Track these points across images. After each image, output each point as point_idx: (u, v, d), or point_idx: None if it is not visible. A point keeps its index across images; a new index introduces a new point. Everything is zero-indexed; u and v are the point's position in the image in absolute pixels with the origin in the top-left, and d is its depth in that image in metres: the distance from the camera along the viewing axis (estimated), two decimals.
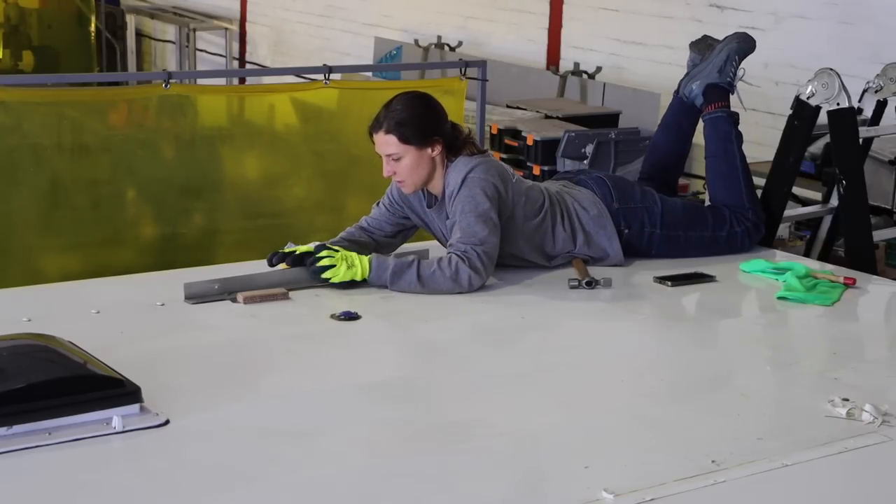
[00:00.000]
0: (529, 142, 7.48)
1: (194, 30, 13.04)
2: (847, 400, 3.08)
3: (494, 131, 7.70)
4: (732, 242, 4.49)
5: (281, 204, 5.73)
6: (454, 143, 4.07)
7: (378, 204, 4.28)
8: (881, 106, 5.41)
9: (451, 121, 4.13)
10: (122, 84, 9.38)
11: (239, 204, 5.56)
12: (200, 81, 7.52)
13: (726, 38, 4.84)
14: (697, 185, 7.28)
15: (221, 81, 9.50)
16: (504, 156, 7.65)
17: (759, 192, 4.79)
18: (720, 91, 4.74)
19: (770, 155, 5.14)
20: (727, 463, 2.74)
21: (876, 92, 5.32)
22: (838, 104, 4.92)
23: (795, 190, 5.67)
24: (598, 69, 8.99)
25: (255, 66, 12.74)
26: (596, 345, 3.67)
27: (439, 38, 10.37)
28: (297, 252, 3.98)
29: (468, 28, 10.27)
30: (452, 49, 10.19)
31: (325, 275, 3.89)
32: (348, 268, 3.90)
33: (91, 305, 3.70)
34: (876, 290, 4.29)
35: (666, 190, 4.64)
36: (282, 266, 3.97)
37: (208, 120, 5.63)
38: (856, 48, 7.26)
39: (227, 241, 5.49)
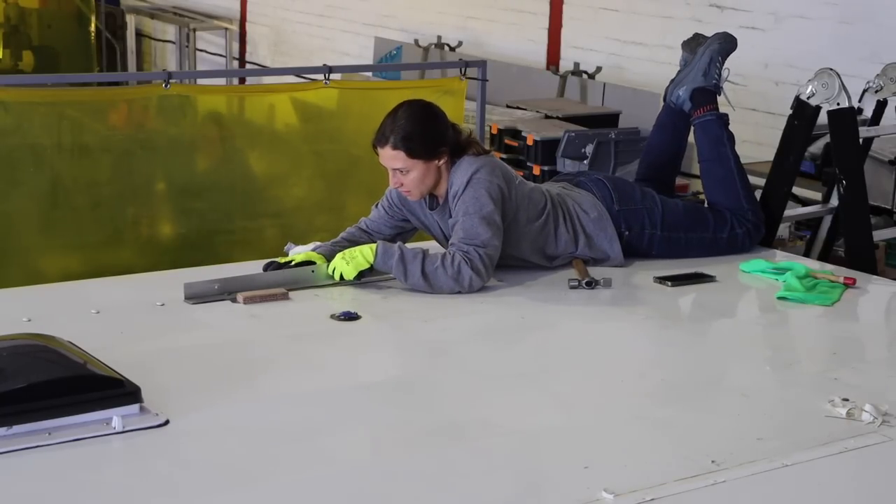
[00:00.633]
0: (529, 142, 7.48)
1: (194, 30, 13.03)
2: (847, 400, 3.08)
3: (494, 131, 7.69)
4: (733, 243, 4.49)
5: (281, 204, 5.73)
6: (458, 146, 4.06)
7: (377, 206, 4.27)
8: (881, 106, 5.41)
9: (452, 124, 4.12)
10: (122, 84, 9.37)
11: (239, 204, 5.56)
12: (200, 81, 7.52)
13: (707, 40, 4.83)
14: (697, 184, 7.28)
15: (221, 81, 9.50)
16: (504, 156, 7.64)
17: (758, 193, 4.79)
18: (707, 94, 4.73)
19: (770, 155, 5.14)
20: (727, 463, 2.74)
21: (876, 92, 5.32)
22: (838, 104, 4.92)
23: (795, 190, 5.66)
24: (598, 69, 8.99)
25: (255, 66, 12.74)
26: (596, 345, 3.66)
27: (439, 38, 10.37)
28: (294, 263, 4.00)
29: (468, 28, 10.27)
30: (452, 49, 10.19)
31: (335, 273, 3.92)
32: (347, 263, 3.91)
33: (91, 305, 3.70)
34: (876, 290, 4.29)
35: (664, 189, 4.64)
36: None
37: (208, 120, 5.63)
38: (856, 48, 7.25)
39: (227, 241, 5.48)
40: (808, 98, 4.95)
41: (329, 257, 4.02)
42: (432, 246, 4.29)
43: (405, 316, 3.79)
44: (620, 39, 8.93)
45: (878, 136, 5.61)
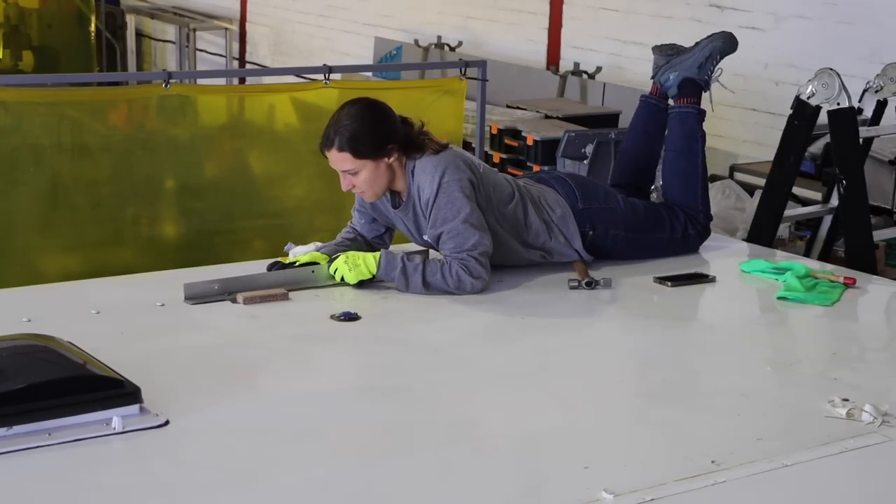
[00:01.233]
0: (529, 142, 7.48)
1: (194, 30, 13.04)
2: (847, 400, 3.08)
3: (494, 131, 7.70)
4: (685, 244, 4.48)
5: (281, 204, 5.73)
6: (410, 141, 3.99)
7: (353, 209, 4.27)
8: (881, 106, 5.42)
9: (399, 116, 4.02)
10: (122, 84, 9.37)
11: (239, 204, 5.55)
12: (200, 81, 7.51)
13: (712, 35, 4.79)
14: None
15: (221, 81, 9.50)
16: (504, 156, 7.66)
17: (758, 193, 4.78)
18: (695, 87, 4.69)
19: (770, 155, 5.15)
20: (727, 463, 2.74)
21: (876, 92, 5.33)
22: (838, 104, 4.93)
23: (795, 190, 5.67)
24: (598, 69, 8.99)
25: (255, 66, 12.74)
26: (596, 345, 3.67)
27: (439, 38, 10.37)
28: (298, 264, 3.99)
29: (468, 28, 10.27)
30: (452, 49, 10.19)
31: (336, 275, 3.92)
32: (349, 269, 3.92)
33: (91, 305, 3.70)
34: (876, 290, 4.29)
35: (637, 195, 4.60)
36: None
37: (208, 120, 5.63)
38: (856, 48, 7.25)
39: (227, 241, 5.48)
40: (808, 98, 4.95)
41: (332, 258, 4.03)
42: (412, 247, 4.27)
43: (405, 316, 3.79)
44: (620, 39, 8.93)
45: (878, 136, 5.62)
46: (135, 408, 2.86)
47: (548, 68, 9.46)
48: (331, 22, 11.91)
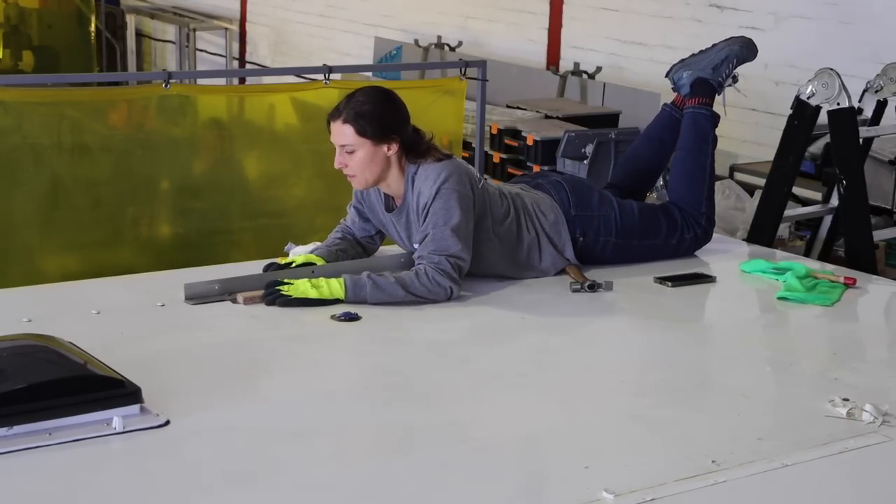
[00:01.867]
0: (529, 142, 7.48)
1: (194, 30, 13.04)
2: (847, 400, 3.08)
3: (494, 131, 7.70)
4: (679, 248, 4.45)
5: (281, 204, 5.73)
6: (414, 146, 3.99)
7: (350, 206, 4.26)
8: (881, 106, 5.42)
9: (413, 125, 4.03)
10: (122, 84, 9.37)
11: (239, 204, 5.55)
12: (200, 81, 7.52)
13: (732, 37, 4.76)
14: None
15: (221, 81, 9.50)
16: (504, 156, 7.66)
17: (758, 193, 4.78)
18: (708, 88, 4.66)
19: (770, 155, 5.15)
20: (727, 463, 2.74)
21: (876, 92, 5.33)
22: (838, 104, 4.93)
23: (795, 190, 5.67)
24: (598, 69, 8.99)
25: (255, 66, 12.74)
26: (596, 345, 3.67)
27: (439, 38, 10.37)
28: (294, 265, 3.99)
29: (468, 28, 10.27)
30: (452, 49, 10.19)
31: (283, 290, 3.78)
32: (312, 287, 3.79)
33: (91, 305, 3.70)
34: (876, 290, 4.29)
35: (633, 197, 4.57)
36: None
37: (208, 120, 5.63)
38: (856, 48, 7.26)
39: (227, 241, 5.48)
40: (808, 98, 4.95)
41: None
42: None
43: (405, 316, 3.78)
44: (620, 39, 8.94)
45: (878, 136, 5.62)
46: (135, 408, 2.86)
47: (548, 68, 9.46)
48: (331, 22, 11.92)
